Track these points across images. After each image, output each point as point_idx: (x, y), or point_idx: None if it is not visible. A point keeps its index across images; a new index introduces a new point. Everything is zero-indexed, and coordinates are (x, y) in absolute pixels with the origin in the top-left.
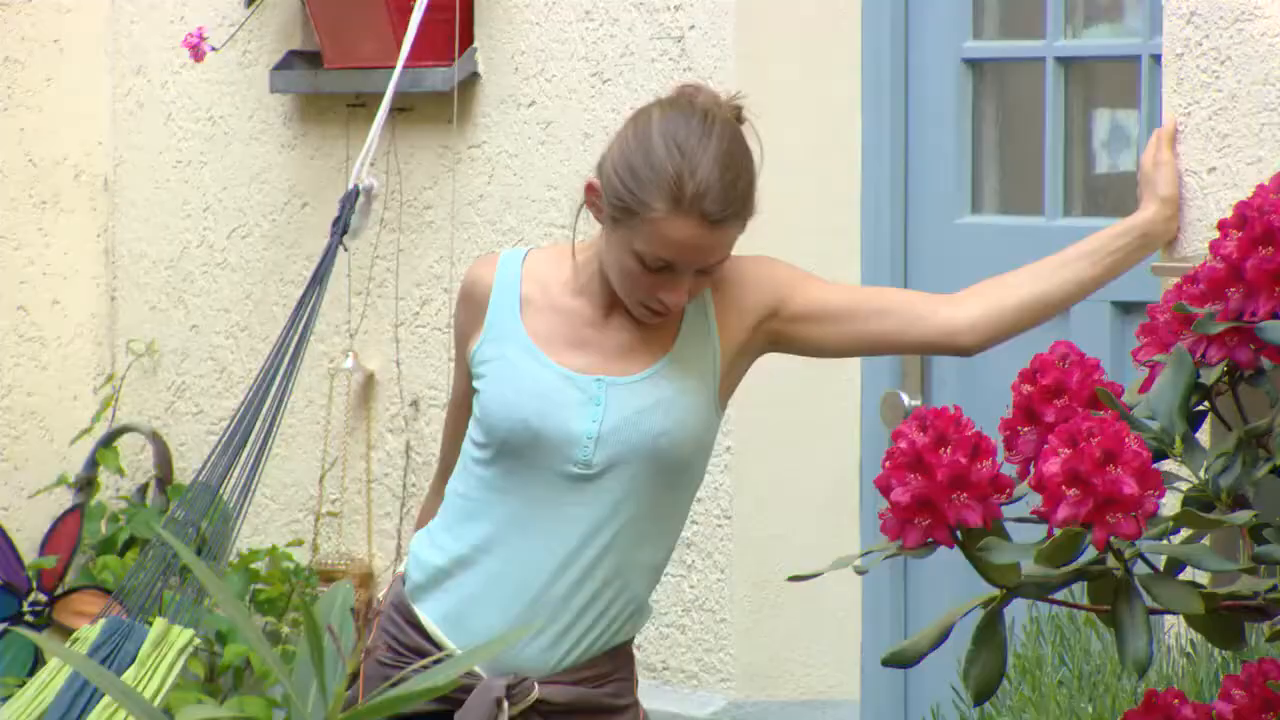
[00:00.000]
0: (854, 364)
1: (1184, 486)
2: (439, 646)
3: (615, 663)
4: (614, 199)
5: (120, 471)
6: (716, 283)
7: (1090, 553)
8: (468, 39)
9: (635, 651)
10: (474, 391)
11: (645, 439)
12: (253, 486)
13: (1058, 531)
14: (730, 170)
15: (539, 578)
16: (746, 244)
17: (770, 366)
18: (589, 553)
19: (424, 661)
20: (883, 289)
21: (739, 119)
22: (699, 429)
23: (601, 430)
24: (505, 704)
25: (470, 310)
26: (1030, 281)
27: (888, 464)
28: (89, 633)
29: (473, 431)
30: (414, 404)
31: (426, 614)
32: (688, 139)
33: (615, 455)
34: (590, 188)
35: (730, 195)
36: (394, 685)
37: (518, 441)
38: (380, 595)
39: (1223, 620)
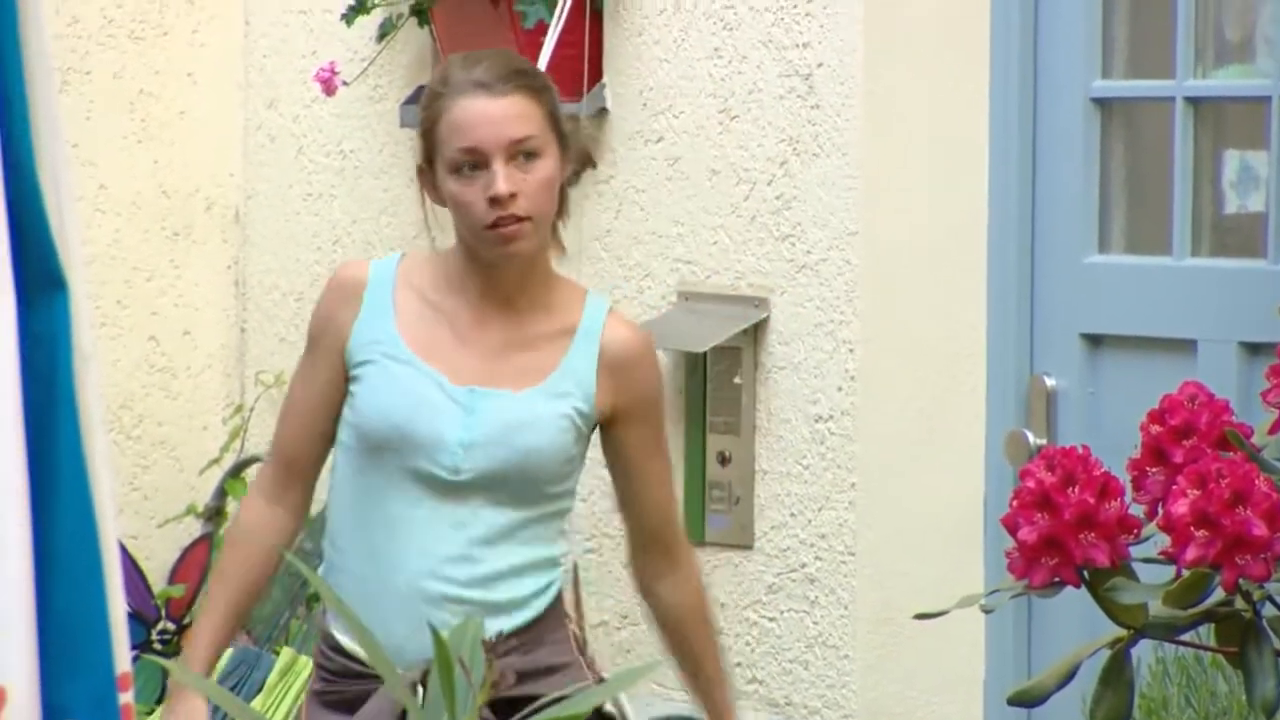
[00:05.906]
0: (979, 403)
1: None
2: (364, 663)
3: (539, 630)
4: (421, 135)
5: None
6: (608, 344)
7: (1218, 594)
8: (596, 75)
9: (757, 686)
10: (348, 395)
11: (515, 454)
12: None
13: (1186, 572)
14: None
15: (416, 580)
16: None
17: (893, 405)
18: (458, 554)
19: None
20: (669, 513)
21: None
22: (564, 456)
23: (473, 438)
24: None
25: (344, 308)
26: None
27: (1015, 503)
28: (217, 661)
29: (345, 437)
30: None
31: (339, 633)
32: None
33: (484, 465)
34: (418, 169)
35: (505, 67)
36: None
37: (390, 446)
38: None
39: None
